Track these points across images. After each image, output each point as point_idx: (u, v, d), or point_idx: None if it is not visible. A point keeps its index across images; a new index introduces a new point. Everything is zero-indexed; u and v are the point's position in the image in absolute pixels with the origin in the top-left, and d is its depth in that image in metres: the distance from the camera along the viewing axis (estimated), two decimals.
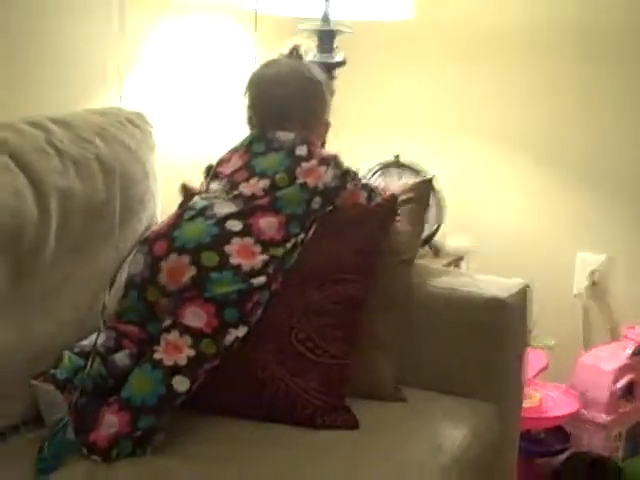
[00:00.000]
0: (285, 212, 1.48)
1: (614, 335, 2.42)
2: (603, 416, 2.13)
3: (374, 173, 2.27)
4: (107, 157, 1.54)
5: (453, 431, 1.41)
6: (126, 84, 1.89)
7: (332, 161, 1.56)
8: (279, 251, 1.44)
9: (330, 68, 2.17)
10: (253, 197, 1.48)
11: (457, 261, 2.37)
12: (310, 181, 1.52)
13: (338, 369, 1.41)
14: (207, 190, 1.56)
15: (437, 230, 2.28)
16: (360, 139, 2.59)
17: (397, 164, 2.30)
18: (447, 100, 2.56)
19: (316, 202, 1.52)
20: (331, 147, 1.96)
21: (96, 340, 1.35)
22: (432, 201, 2.24)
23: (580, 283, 2.47)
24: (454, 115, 2.55)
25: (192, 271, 1.37)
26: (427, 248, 2.26)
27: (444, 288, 1.58)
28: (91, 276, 1.47)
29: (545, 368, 2.27)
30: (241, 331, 1.37)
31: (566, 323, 2.46)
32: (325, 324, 1.43)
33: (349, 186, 1.57)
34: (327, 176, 1.54)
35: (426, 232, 2.23)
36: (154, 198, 1.67)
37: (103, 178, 1.51)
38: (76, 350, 1.36)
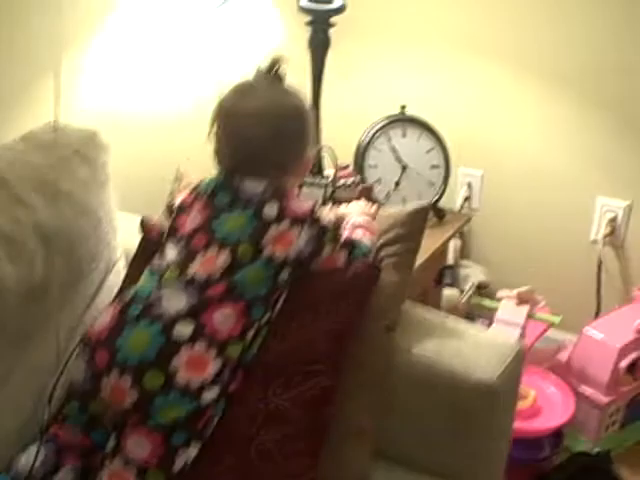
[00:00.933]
0: (246, 297, 1.23)
1: (628, 287, 2.19)
2: (602, 397, 1.96)
3: (377, 131, 1.94)
4: (48, 221, 1.27)
5: None
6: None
7: (308, 219, 1.27)
8: (237, 349, 1.22)
9: (327, 17, 1.80)
10: (208, 282, 1.22)
11: (465, 224, 2.09)
12: (279, 251, 1.24)
13: None
14: (162, 251, 1.30)
15: (442, 194, 1.99)
16: (365, 83, 2.26)
17: (402, 118, 1.96)
18: (459, 23, 2.19)
19: (285, 273, 1.26)
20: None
21: (33, 464, 1.17)
22: (439, 161, 1.97)
23: (598, 229, 2.20)
24: (465, 38, 2.19)
25: (134, 395, 1.15)
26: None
27: (428, 357, 1.34)
28: (33, 373, 1.25)
29: (545, 331, 2.08)
30: (193, 450, 1.18)
31: (580, 271, 2.23)
32: (288, 434, 1.22)
33: (326, 250, 1.29)
34: (300, 241, 1.26)
35: (431, 197, 1.96)
36: (110, 242, 1.41)
37: (42, 251, 1.25)
38: (12, 474, 1.19)
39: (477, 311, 2.22)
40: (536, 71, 2.15)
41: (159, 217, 1.46)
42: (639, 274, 2.18)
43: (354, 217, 1.41)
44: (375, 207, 1.46)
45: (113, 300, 1.31)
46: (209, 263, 1.23)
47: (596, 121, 2.12)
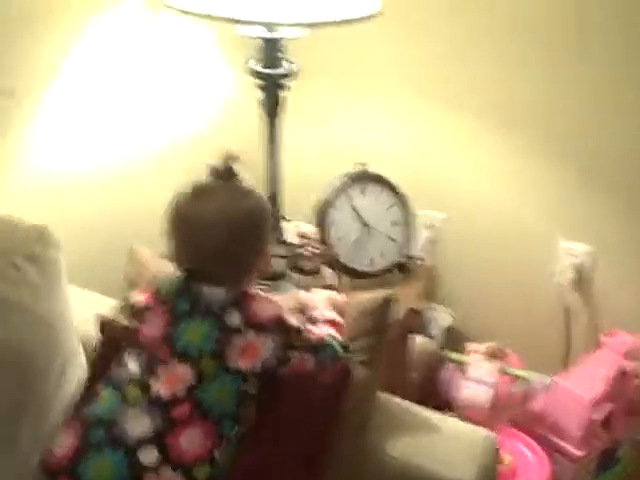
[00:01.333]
0: (213, 415, 1.18)
1: (595, 332, 2.18)
2: (576, 451, 1.94)
3: (336, 189, 1.90)
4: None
5: None
6: None
7: (273, 325, 1.23)
8: (205, 470, 1.16)
9: (278, 80, 1.74)
10: (173, 401, 1.17)
11: (431, 280, 2.06)
12: (244, 363, 1.20)
13: None
14: (122, 361, 1.24)
15: (406, 251, 1.95)
16: (321, 138, 2.22)
17: (362, 175, 1.92)
18: (417, 72, 2.13)
19: (252, 385, 1.21)
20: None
21: None
22: (400, 217, 1.93)
23: (562, 274, 2.18)
24: (423, 86, 2.14)
25: None
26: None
27: (401, 458, 1.29)
28: None
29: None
30: None
31: (546, 313, 2.21)
32: None
33: (294, 355, 1.24)
34: (265, 350, 1.21)
35: (395, 257, 1.93)
36: (65, 343, 1.34)
37: None
38: None
39: (446, 360, 2.19)
40: (496, 117, 2.12)
41: (116, 312, 1.41)
42: (606, 318, 2.16)
43: (320, 309, 1.37)
44: (341, 296, 1.42)
45: (74, 413, 1.25)
46: (172, 380, 1.18)
47: (558, 166, 2.10)
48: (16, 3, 1.55)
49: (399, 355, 2.02)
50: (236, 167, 1.26)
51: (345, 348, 1.31)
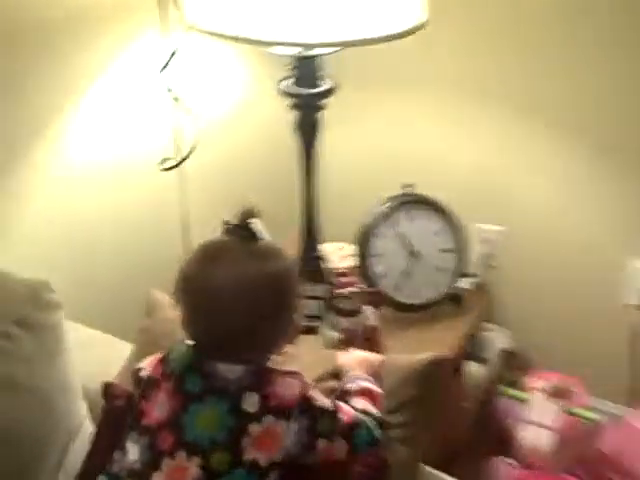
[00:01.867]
0: None
1: None
2: None
3: (380, 215, 1.67)
4: None
5: None
6: None
7: (296, 407, 1.01)
8: None
9: (316, 101, 1.51)
10: None
11: (486, 309, 1.82)
12: (262, 455, 0.99)
13: None
14: (123, 446, 1.05)
15: (457, 282, 1.72)
16: (364, 152, 1.98)
17: (408, 199, 1.69)
18: (467, 74, 1.88)
19: (272, 479, 1.01)
20: None
21: None
22: (451, 244, 1.70)
23: (630, 295, 1.92)
24: (474, 90, 1.89)
25: None
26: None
27: None
28: None
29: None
30: None
31: (610, 337, 1.95)
32: None
33: (322, 442, 1.03)
34: (288, 436, 1.00)
35: (445, 287, 1.70)
36: (67, 411, 1.17)
37: None
38: None
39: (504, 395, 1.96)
40: (560, 123, 1.86)
41: (121, 376, 1.22)
42: None
43: (354, 376, 1.15)
44: (379, 358, 1.19)
45: None
46: (177, 475, 0.99)
47: (629, 176, 1.83)
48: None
49: (450, 393, 1.80)
50: (256, 224, 1.04)
51: (381, 425, 1.09)
